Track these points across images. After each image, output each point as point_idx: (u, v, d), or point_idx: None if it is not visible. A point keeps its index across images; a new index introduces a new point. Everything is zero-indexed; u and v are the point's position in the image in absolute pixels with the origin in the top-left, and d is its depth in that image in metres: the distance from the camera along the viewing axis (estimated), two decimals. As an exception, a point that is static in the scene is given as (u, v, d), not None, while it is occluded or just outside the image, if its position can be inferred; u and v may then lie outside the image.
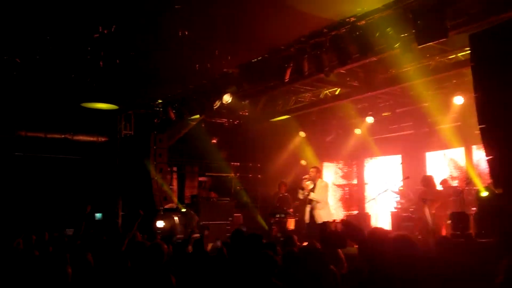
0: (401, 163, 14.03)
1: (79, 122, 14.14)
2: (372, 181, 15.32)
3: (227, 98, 11.67)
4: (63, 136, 14.17)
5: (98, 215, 14.88)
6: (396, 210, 12.80)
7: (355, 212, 15.32)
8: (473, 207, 10.36)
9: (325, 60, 9.35)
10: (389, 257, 4.01)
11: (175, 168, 16.31)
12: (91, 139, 14.82)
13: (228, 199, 15.14)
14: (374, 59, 9.47)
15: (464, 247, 7.08)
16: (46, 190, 14.23)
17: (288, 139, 15.54)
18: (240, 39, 9.15)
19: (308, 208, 11.07)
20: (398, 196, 12.84)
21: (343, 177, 16.39)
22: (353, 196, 15.95)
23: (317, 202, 10.90)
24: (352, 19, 8.37)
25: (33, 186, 14.02)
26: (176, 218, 13.17)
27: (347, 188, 16.23)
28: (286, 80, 10.14)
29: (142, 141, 13.78)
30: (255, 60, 10.36)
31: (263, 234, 8.06)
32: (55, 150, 14.41)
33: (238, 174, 17.22)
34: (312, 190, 10.97)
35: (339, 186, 16.41)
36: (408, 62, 10.30)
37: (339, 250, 5.82)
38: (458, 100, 11.36)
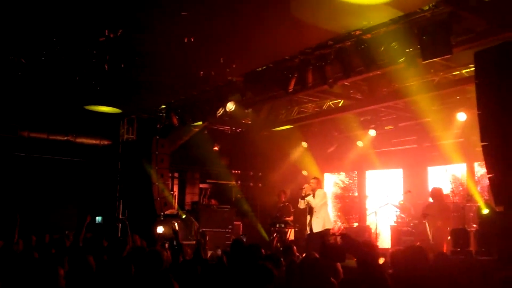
0: (403, 177, 14.01)
1: (82, 124, 14.15)
2: (373, 194, 15.31)
3: (230, 106, 11.70)
4: (65, 138, 14.17)
5: (98, 219, 14.89)
6: (396, 224, 12.77)
7: (356, 224, 15.30)
8: (474, 223, 10.33)
9: (329, 72, 9.39)
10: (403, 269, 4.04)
11: (176, 174, 16.33)
12: (94, 142, 14.82)
13: (228, 207, 15.15)
14: (378, 72, 9.51)
15: (461, 265, 7.08)
16: (47, 192, 14.23)
17: (290, 149, 15.54)
18: (245, 48, 9.16)
19: (309, 218, 11.06)
20: (398, 210, 12.82)
21: (344, 189, 16.38)
22: (354, 209, 15.93)
23: (315, 207, 10.86)
24: (358, 32, 8.39)
25: (34, 187, 14.02)
26: (176, 224, 13.16)
27: (347, 200, 16.21)
28: (290, 90, 10.18)
29: (144, 145, 13.81)
30: (260, 69, 10.40)
31: (264, 245, 8.07)
32: (57, 151, 14.41)
33: (239, 182, 17.21)
34: (312, 196, 10.97)
35: (339, 197, 16.39)
36: (412, 77, 10.33)
37: (338, 263, 5.82)
38: (461, 116, 11.37)
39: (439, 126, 12.27)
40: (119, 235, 12.96)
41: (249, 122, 15.19)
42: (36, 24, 8.10)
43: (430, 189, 12.63)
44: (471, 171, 12.68)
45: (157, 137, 13.78)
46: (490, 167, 7.04)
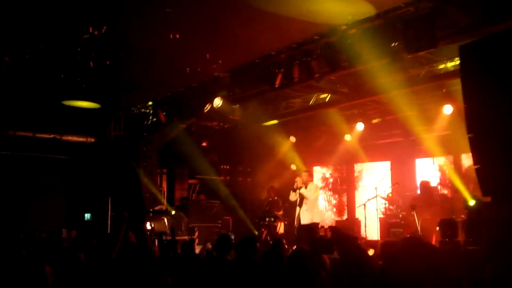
0: (391, 170, 14.10)
1: (68, 122, 14.06)
2: (361, 187, 15.39)
3: (217, 102, 11.70)
4: (52, 136, 14.09)
5: (87, 216, 14.84)
6: (384, 216, 12.86)
7: (345, 217, 15.38)
8: (462, 214, 10.44)
9: (315, 67, 9.43)
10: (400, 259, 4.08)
11: (164, 170, 16.29)
12: (80, 139, 14.76)
13: (217, 202, 15.17)
14: (364, 67, 9.55)
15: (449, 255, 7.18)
16: (34, 190, 14.16)
17: (278, 143, 15.57)
18: (231, 44, 9.15)
19: (298, 210, 11.10)
20: (387, 202, 12.91)
21: (333, 182, 16.45)
22: (343, 202, 16.01)
23: (307, 199, 10.90)
24: (343, 27, 8.43)
25: (21, 186, 13.95)
26: (165, 220, 13.18)
27: (336, 194, 16.28)
28: (277, 86, 10.20)
29: (131, 142, 13.77)
30: (246, 65, 10.40)
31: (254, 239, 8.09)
32: (44, 149, 14.35)
33: (227, 178, 17.23)
34: (305, 188, 11.01)
35: (328, 191, 16.46)
36: (398, 71, 10.39)
37: (325, 255, 5.88)
38: (447, 109, 11.47)
39: (426, 119, 12.37)
40: (109, 232, 12.96)
41: (237, 117, 15.19)
42: (20, 22, 8.05)
43: (418, 180, 12.74)
44: (458, 163, 12.79)
45: (145, 134, 13.74)
46: (476, 158, 7.10)
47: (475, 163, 7.13)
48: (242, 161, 17.31)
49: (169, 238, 11.52)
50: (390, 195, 12.86)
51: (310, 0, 7.23)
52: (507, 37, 6.91)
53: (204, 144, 15.57)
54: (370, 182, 14.87)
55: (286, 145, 15.44)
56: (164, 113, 13.24)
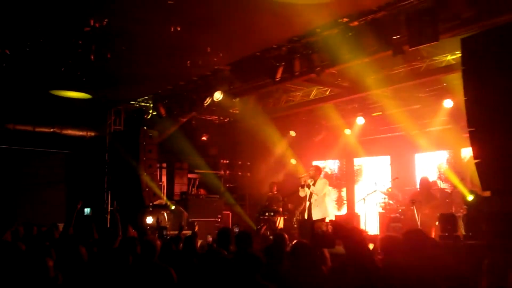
0: (391, 164, 14.09)
1: (68, 116, 14.06)
2: (361, 182, 15.39)
3: (218, 96, 11.67)
4: (51, 130, 14.07)
5: (87, 210, 14.83)
6: (384, 211, 12.86)
7: (345, 212, 15.38)
8: (462, 209, 10.43)
9: (317, 60, 9.39)
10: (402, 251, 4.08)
11: (164, 165, 16.28)
12: (80, 133, 14.75)
13: (217, 196, 15.17)
14: (366, 60, 9.52)
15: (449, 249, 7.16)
16: (34, 184, 14.15)
17: (278, 137, 15.54)
18: (232, 37, 9.13)
19: (308, 204, 10.99)
20: (387, 197, 12.90)
21: (332, 176, 16.43)
22: (342, 196, 16.00)
23: (316, 195, 10.81)
24: (345, 19, 8.39)
25: (20, 180, 13.93)
26: (165, 214, 13.17)
27: (336, 188, 16.27)
28: (277, 79, 10.16)
29: (131, 136, 13.73)
30: (247, 58, 10.37)
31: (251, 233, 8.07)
32: (43, 143, 14.32)
33: (227, 172, 17.22)
34: (313, 184, 10.92)
35: (328, 185, 16.41)
36: (399, 64, 10.35)
37: (325, 249, 5.86)
38: (448, 103, 11.45)
39: (426, 113, 12.35)
40: (109, 226, 12.94)
41: (237, 111, 15.16)
42: (20, 15, 8.01)
43: (417, 175, 12.71)
44: (458, 157, 12.78)
45: (145, 128, 13.71)
46: (477, 153, 7.09)
47: (475, 157, 7.11)
48: (242, 155, 17.31)
49: (170, 233, 11.53)
50: (390, 189, 12.85)
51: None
52: (509, 29, 6.88)
53: (204, 138, 15.54)
54: (369, 177, 14.86)
55: (286, 139, 15.42)
56: (164, 107, 13.21)
